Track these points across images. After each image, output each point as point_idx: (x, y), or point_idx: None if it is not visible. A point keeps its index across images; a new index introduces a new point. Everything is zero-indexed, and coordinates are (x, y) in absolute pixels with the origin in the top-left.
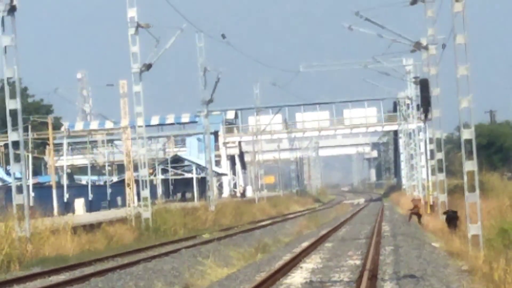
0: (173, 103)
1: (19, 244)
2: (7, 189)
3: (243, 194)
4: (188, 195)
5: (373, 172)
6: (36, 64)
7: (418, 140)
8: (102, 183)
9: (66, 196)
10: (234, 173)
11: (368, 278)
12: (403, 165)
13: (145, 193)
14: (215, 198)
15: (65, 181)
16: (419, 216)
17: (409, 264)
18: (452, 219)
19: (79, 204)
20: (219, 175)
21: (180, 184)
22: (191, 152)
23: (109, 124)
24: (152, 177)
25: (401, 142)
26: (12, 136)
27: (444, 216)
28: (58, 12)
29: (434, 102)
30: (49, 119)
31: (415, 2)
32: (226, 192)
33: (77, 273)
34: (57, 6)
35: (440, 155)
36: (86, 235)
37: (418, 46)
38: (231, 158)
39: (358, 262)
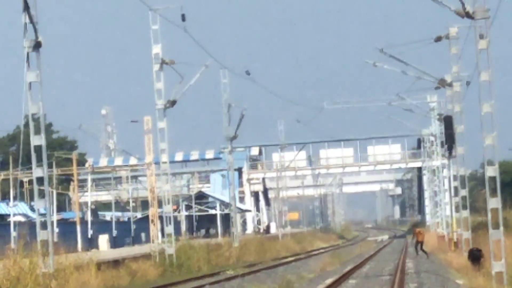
0: (197, 139)
1: (43, 280)
2: (31, 225)
3: (267, 231)
4: (212, 231)
5: (397, 208)
6: (61, 100)
7: (442, 177)
8: (126, 219)
9: (90, 232)
10: (258, 210)
11: None
12: (427, 202)
13: (169, 229)
14: (238, 235)
15: (89, 217)
16: (421, 243)
17: None
18: (476, 257)
19: (103, 240)
20: (243, 211)
21: (204, 220)
22: (215, 188)
23: (133, 160)
24: (176, 213)
25: (425, 179)
26: (37, 172)
27: (467, 254)
28: (83, 48)
29: (458, 139)
30: (74, 155)
31: (440, 39)
32: (250, 229)
33: None
34: (82, 41)
35: (464, 192)
36: (110, 271)
37: (442, 83)
38: (255, 195)
39: None
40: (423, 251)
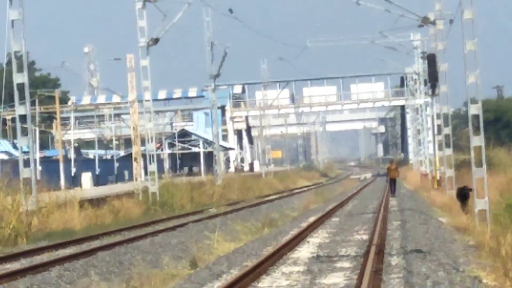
0: (180, 77)
1: (26, 218)
2: (14, 163)
3: (250, 169)
4: (195, 169)
5: (380, 147)
6: (44, 38)
7: (425, 115)
8: (109, 157)
9: (73, 170)
10: (241, 148)
11: (375, 253)
12: (410, 140)
13: (152, 167)
14: (222, 173)
15: (72, 155)
16: (394, 181)
17: (416, 239)
18: (464, 196)
19: (86, 178)
20: (226, 149)
21: (187, 158)
22: (198, 126)
23: (116, 98)
24: (159, 151)
25: (408, 117)
26: (19, 110)
27: (456, 192)
28: None
29: (441, 78)
30: (56, 93)
31: None
32: (233, 167)
33: (84, 247)
34: None
35: (447, 130)
36: (93, 209)
37: (425, 21)
38: (238, 133)
39: (365, 237)
40: (393, 189)
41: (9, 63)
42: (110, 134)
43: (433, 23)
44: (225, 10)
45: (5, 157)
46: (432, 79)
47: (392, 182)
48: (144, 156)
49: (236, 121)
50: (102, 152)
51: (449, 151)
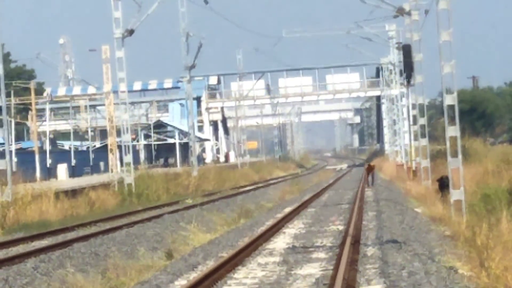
0: (155, 68)
1: (1, 210)
2: None
3: (225, 160)
4: (170, 160)
5: (356, 137)
6: (19, 30)
7: (401, 106)
8: (84, 148)
9: (48, 161)
10: (216, 139)
11: (351, 243)
12: (386, 131)
13: (128, 158)
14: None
15: (47, 147)
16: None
17: (392, 229)
18: (445, 185)
19: (62, 169)
20: (201, 140)
21: (162, 149)
22: (174, 117)
23: (91, 90)
24: (134, 142)
25: (384, 107)
26: None
27: (437, 183)
28: None
29: (417, 68)
30: (32, 85)
31: None
32: (209, 158)
33: (60, 238)
34: None
35: (422, 121)
36: (69, 201)
37: (401, 12)
38: (214, 124)
39: (341, 227)
40: (371, 179)
41: None
42: (86, 125)
43: (409, 13)
44: (200, 1)
45: None
46: (408, 69)
47: (370, 174)
48: (119, 147)
49: (211, 112)
50: (77, 143)
51: (424, 142)
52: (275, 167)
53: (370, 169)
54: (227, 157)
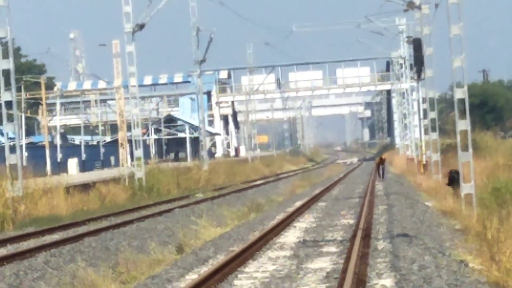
0: (166, 63)
1: (12, 204)
2: (0, 149)
3: (237, 154)
4: (181, 154)
5: (366, 131)
6: (29, 24)
7: (411, 100)
8: (95, 143)
9: (59, 156)
10: (227, 133)
11: (362, 237)
12: (396, 125)
13: (138, 153)
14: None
15: (58, 141)
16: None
17: (403, 223)
18: (454, 179)
19: (72, 164)
20: (212, 134)
21: (173, 144)
22: (184, 112)
23: (102, 84)
24: (145, 137)
25: (394, 101)
26: (5, 96)
27: (447, 177)
28: None
29: (427, 62)
30: (42, 79)
31: None
32: (219, 152)
33: (71, 232)
34: None
35: (433, 115)
36: (80, 195)
37: (411, 6)
38: (224, 118)
39: (351, 221)
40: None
41: None
42: (96, 120)
43: (419, 7)
44: None
45: None
46: (418, 63)
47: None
48: (130, 141)
49: (222, 106)
50: (88, 138)
51: (435, 135)
52: (285, 161)
53: (381, 162)
54: (237, 151)
